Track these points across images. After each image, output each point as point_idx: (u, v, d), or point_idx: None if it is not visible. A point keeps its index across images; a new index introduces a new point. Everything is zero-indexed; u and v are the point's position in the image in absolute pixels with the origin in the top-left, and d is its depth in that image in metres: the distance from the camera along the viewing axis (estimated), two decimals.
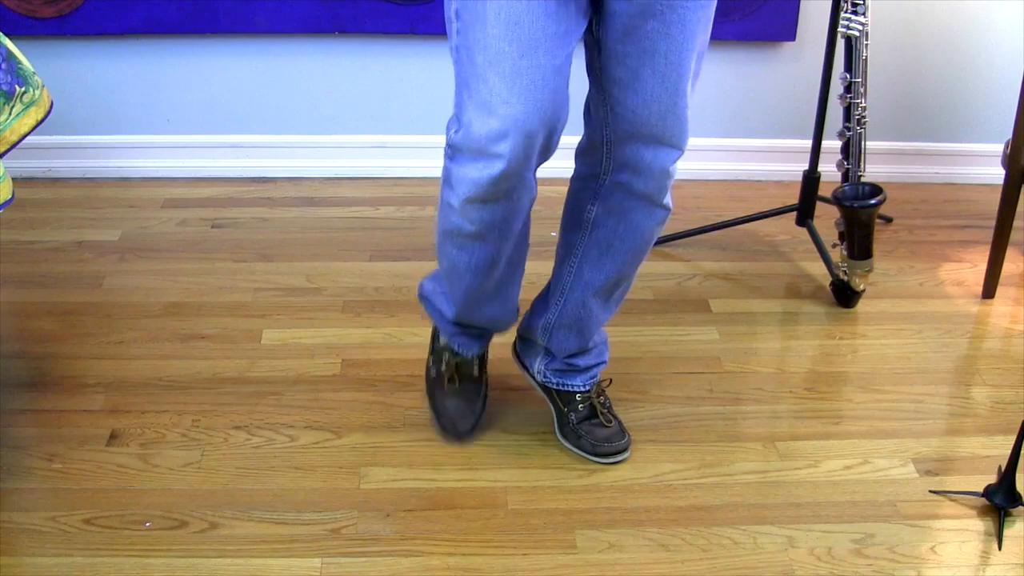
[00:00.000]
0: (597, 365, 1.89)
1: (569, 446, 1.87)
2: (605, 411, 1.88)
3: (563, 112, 1.51)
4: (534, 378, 1.91)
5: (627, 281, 1.80)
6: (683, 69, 1.52)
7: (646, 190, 1.64)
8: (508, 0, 1.42)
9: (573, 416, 1.87)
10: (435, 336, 1.91)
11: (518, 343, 1.94)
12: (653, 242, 1.74)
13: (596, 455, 1.85)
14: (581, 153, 1.70)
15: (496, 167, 1.48)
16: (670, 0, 1.48)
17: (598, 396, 1.89)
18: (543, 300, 1.85)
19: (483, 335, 1.88)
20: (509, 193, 1.54)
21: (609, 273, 1.75)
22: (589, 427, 1.86)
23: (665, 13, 1.48)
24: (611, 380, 1.94)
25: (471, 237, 1.61)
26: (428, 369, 1.93)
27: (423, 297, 1.89)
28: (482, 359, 1.91)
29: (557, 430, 1.89)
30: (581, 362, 1.86)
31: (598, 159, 1.66)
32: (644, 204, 1.66)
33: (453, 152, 1.55)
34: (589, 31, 1.55)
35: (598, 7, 1.52)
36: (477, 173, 1.50)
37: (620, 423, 1.88)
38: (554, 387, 1.89)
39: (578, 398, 1.87)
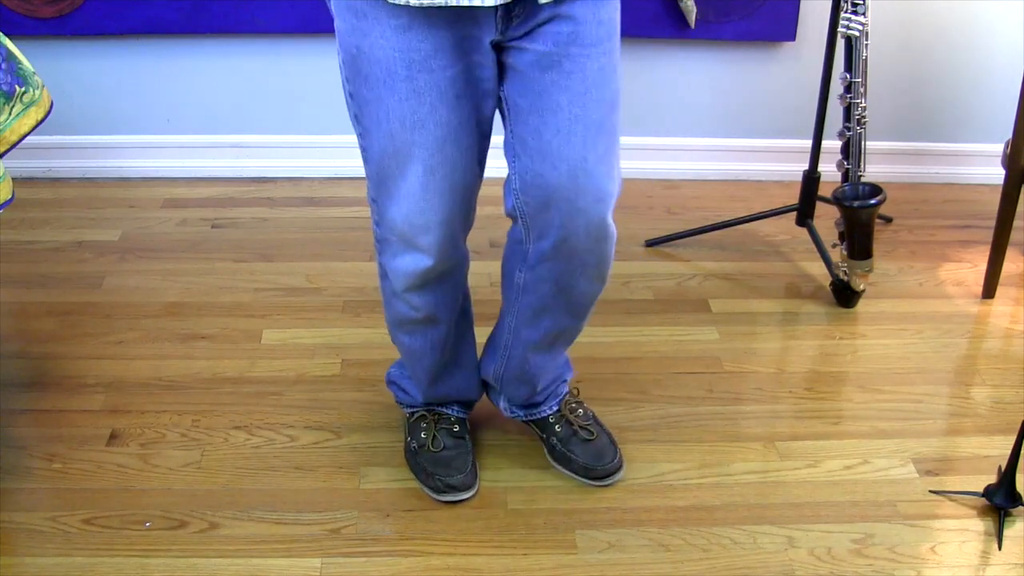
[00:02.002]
0: (558, 385, 1.83)
1: (563, 470, 1.81)
2: (586, 423, 1.82)
3: (477, 187, 1.55)
4: (504, 414, 1.86)
5: (572, 330, 1.71)
6: (589, 123, 1.44)
7: (571, 255, 1.54)
8: (411, 106, 1.42)
9: (555, 440, 1.81)
10: (409, 413, 1.85)
11: (485, 384, 1.87)
12: (592, 304, 1.65)
13: (589, 479, 1.79)
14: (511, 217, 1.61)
15: (425, 261, 1.55)
16: (567, 49, 1.41)
17: (572, 412, 1.83)
18: (491, 347, 1.80)
19: (458, 403, 1.84)
20: (443, 275, 1.60)
21: (547, 330, 1.68)
22: (575, 446, 1.80)
23: (563, 63, 1.41)
24: (579, 390, 1.88)
25: (420, 323, 1.67)
26: (407, 447, 1.82)
27: (391, 382, 1.87)
28: (462, 422, 1.83)
29: (548, 456, 1.84)
30: (538, 398, 1.81)
31: (518, 231, 1.59)
32: (572, 269, 1.56)
33: (382, 247, 1.60)
34: (499, 97, 1.50)
35: (502, 67, 1.47)
36: (409, 266, 1.56)
37: (608, 434, 1.84)
38: (524, 420, 1.85)
39: (551, 420, 1.82)
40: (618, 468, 1.80)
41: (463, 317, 1.76)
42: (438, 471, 1.76)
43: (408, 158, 1.46)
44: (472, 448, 1.81)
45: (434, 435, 1.79)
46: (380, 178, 1.52)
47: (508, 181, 1.54)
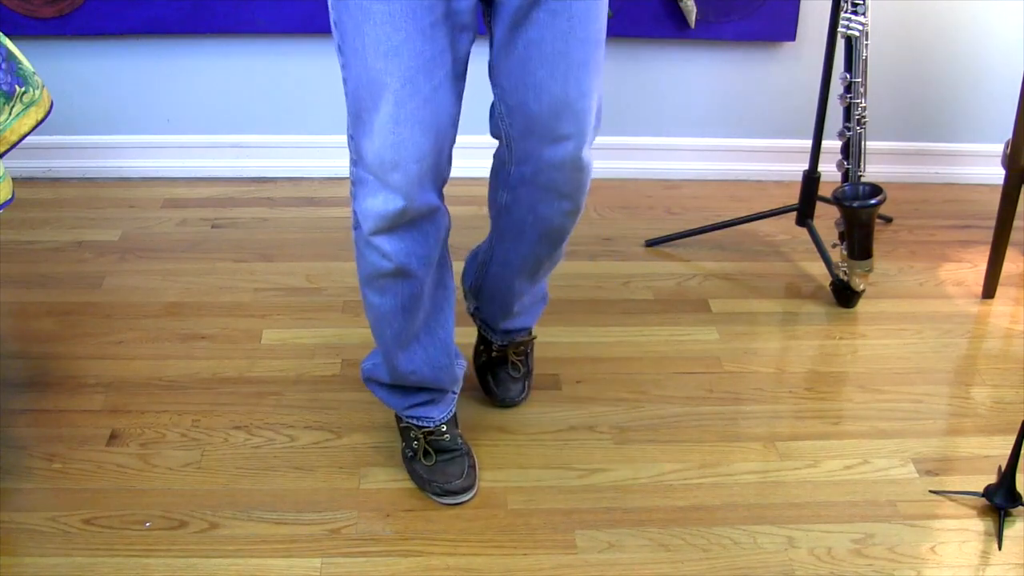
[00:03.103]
0: (519, 331, 1.95)
1: (476, 374, 1.99)
2: (517, 360, 1.96)
3: (450, 131, 1.54)
4: (468, 310, 1.98)
5: (548, 261, 1.79)
6: (573, 60, 1.51)
7: (549, 183, 1.62)
8: (386, 32, 1.43)
9: (485, 356, 1.97)
10: (398, 418, 1.84)
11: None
12: (567, 232, 1.73)
13: (489, 396, 1.97)
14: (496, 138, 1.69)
15: (396, 202, 1.52)
16: None
17: (515, 349, 1.96)
18: (473, 257, 1.89)
19: (434, 399, 1.78)
20: (415, 221, 1.56)
21: (524, 254, 1.76)
22: (499, 371, 1.96)
23: (550, 1, 1.47)
24: (535, 336, 2.00)
25: (391, 276, 1.60)
26: (403, 452, 1.83)
27: (367, 379, 1.83)
28: (451, 423, 1.80)
29: (473, 354, 2.01)
30: (501, 326, 1.92)
31: (502, 151, 1.66)
32: (549, 197, 1.64)
33: (356, 189, 1.57)
34: (487, 27, 1.56)
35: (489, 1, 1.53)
36: (380, 206, 1.53)
37: (528, 364, 2.00)
38: (477, 324, 1.97)
39: (494, 347, 1.95)
40: (516, 403, 1.97)
41: (440, 287, 1.70)
42: (435, 478, 1.75)
43: (381, 88, 1.46)
44: (467, 450, 1.81)
45: (425, 449, 1.77)
46: (356, 111, 1.51)
47: (493, 106, 1.60)
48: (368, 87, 1.47)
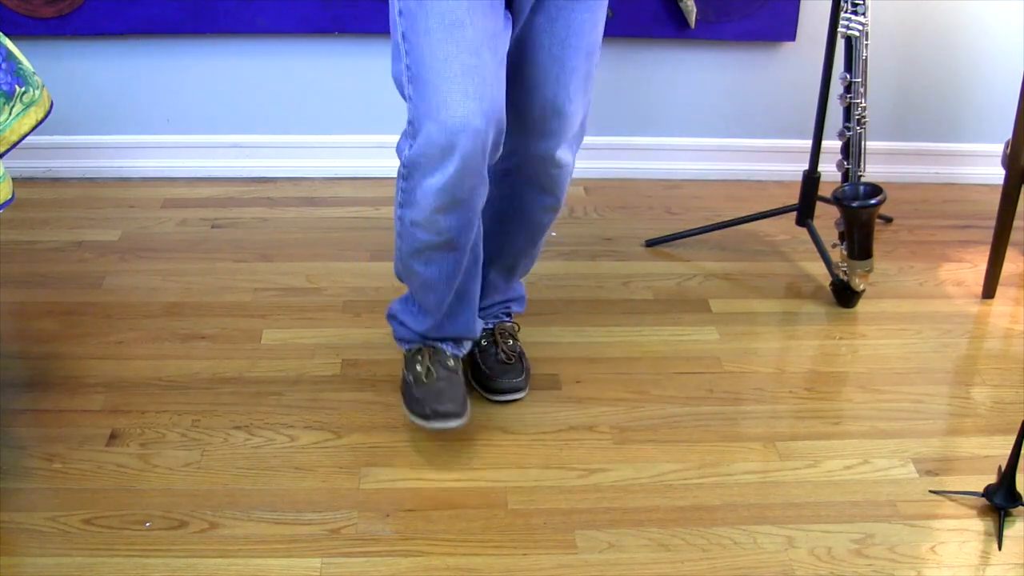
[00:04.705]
0: (501, 311, 1.99)
1: (470, 379, 1.96)
2: (507, 348, 1.96)
3: (504, 110, 1.56)
4: None
5: (525, 258, 1.92)
6: (566, 66, 1.61)
7: (533, 177, 1.73)
8: (450, 6, 1.46)
9: (476, 349, 1.97)
10: (408, 348, 1.90)
11: None
12: (546, 228, 1.84)
13: (488, 392, 1.95)
14: None
15: (454, 164, 1.52)
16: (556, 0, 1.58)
17: (503, 336, 1.98)
18: None
19: (455, 343, 1.89)
20: (471, 192, 1.59)
21: (502, 245, 1.87)
22: (486, 357, 1.95)
23: (549, 9, 1.56)
24: (519, 327, 2.03)
25: (439, 247, 1.67)
26: (403, 384, 1.87)
27: (391, 316, 1.91)
28: (456, 359, 1.87)
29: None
30: (480, 312, 1.95)
31: None
32: (531, 190, 1.76)
33: (410, 171, 1.59)
34: None
35: None
36: (440, 179, 1.54)
37: (524, 363, 1.97)
38: None
39: (481, 335, 1.96)
40: (519, 388, 1.95)
41: (473, 255, 1.77)
42: (429, 399, 1.78)
43: (446, 60, 1.48)
44: (464, 383, 1.85)
45: (428, 368, 1.81)
46: (419, 90, 1.52)
47: None
48: (433, 59, 1.49)
